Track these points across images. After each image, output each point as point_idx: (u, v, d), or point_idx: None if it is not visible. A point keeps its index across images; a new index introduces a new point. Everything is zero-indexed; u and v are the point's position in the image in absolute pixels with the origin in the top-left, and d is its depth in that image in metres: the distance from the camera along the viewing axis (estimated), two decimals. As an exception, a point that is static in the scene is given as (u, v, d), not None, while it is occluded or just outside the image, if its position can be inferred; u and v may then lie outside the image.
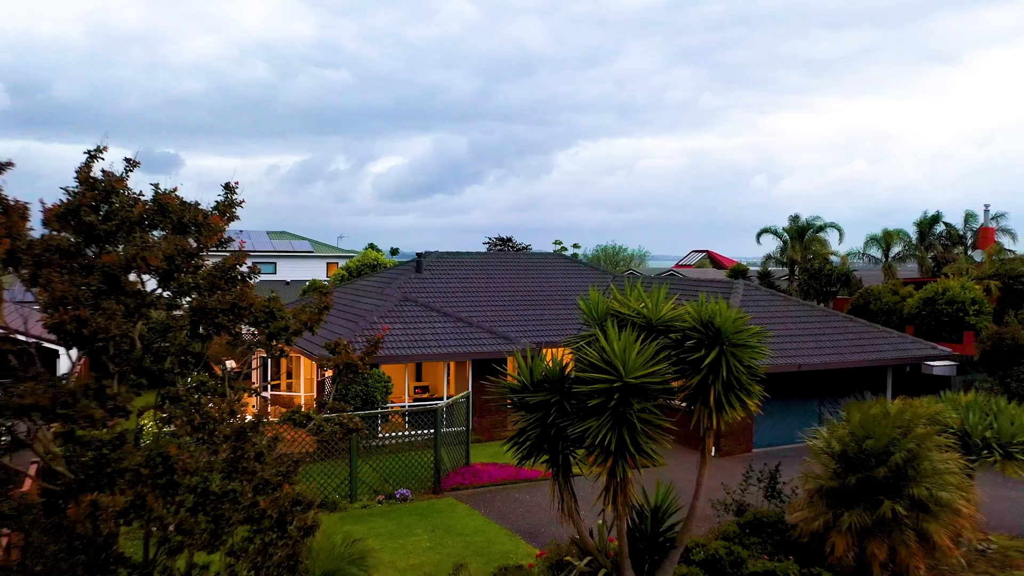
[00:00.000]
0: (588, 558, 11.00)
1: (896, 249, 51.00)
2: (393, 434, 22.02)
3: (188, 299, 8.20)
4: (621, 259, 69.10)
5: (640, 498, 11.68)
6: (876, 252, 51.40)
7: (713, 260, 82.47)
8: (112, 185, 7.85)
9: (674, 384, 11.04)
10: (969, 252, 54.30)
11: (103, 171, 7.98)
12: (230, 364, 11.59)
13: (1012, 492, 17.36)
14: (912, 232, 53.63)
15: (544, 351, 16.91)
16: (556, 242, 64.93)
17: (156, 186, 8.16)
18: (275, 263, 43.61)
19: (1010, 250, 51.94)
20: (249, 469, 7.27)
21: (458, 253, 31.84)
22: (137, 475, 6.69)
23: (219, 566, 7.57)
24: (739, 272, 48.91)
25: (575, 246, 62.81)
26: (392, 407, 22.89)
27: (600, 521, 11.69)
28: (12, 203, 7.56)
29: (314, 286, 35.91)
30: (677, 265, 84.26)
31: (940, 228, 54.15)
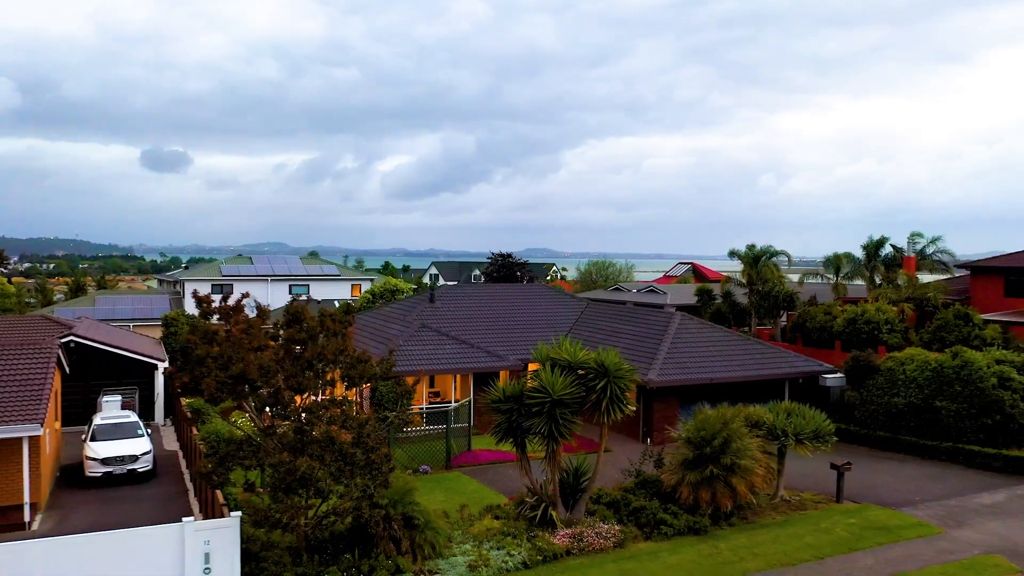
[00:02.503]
0: (535, 497, 19.77)
1: (846, 270, 59.27)
2: (415, 429, 30.72)
3: (342, 366, 16.96)
4: (610, 272, 77.63)
5: (567, 464, 20.46)
6: (830, 272, 59.64)
7: (697, 272, 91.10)
8: (301, 310, 16.65)
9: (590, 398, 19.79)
10: (916, 272, 62.79)
11: (296, 302, 16.77)
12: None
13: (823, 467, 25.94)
14: (861, 254, 61.92)
15: (528, 366, 25.54)
16: (548, 265, 73.60)
17: (322, 314, 16.95)
18: (308, 285, 52.48)
19: (957, 269, 60.35)
20: (364, 440, 16.08)
21: (463, 284, 40.50)
22: (319, 444, 15.47)
23: (351, 488, 16.32)
24: (705, 292, 57.53)
25: (563, 269, 71.39)
26: (413, 409, 31.59)
27: (545, 478, 20.40)
28: (257, 317, 16.38)
29: (344, 308, 44.60)
30: (663, 277, 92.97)
31: (887, 250, 62.48)
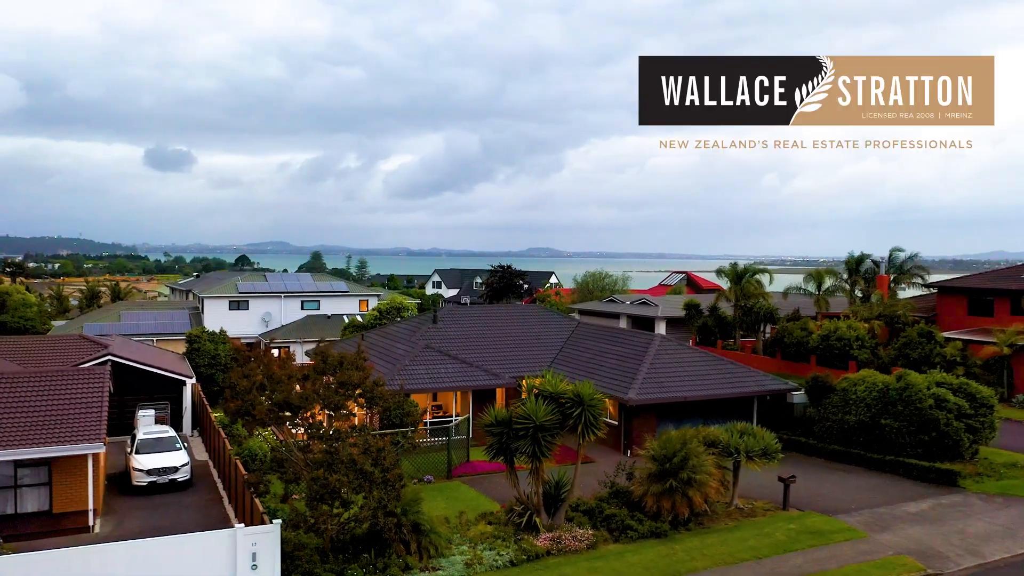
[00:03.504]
0: (522, 506, 23.62)
1: (827, 284, 62.89)
2: (421, 440, 34.56)
3: (363, 392, 20.84)
4: (606, 283, 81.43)
5: (549, 477, 24.30)
6: (813, 286, 63.24)
7: (691, 281, 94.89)
8: (325, 351, 20.50)
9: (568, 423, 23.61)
10: (893, 285, 66.56)
11: (322, 344, 20.61)
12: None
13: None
14: (843, 269, 65.55)
15: (522, 383, 29.51)
16: (545, 282, 77.47)
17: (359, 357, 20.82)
18: (319, 301, 56.36)
19: (930, 285, 64.06)
20: (381, 462, 19.95)
21: (463, 306, 44.28)
22: (345, 465, 19.32)
23: (369, 498, 20.16)
24: (693, 306, 61.36)
25: (558, 286, 75.26)
26: (419, 427, 35.40)
27: (531, 489, 24.22)
28: (284, 357, 20.27)
29: (353, 324, 48.47)
30: (658, 286, 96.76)
31: (868, 265, 66.16)
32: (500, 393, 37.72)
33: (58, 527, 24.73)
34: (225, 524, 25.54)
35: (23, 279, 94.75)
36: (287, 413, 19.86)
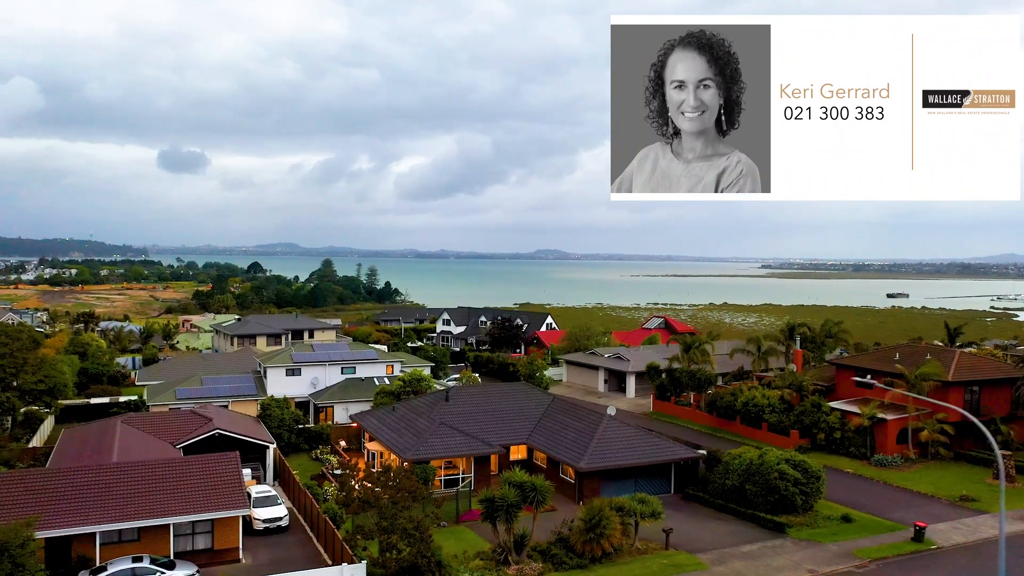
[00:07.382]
0: (501, 548, 40.92)
1: (766, 346, 79.72)
2: (438, 491, 51.82)
3: (410, 491, 38.12)
4: (591, 335, 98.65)
5: (518, 529, 41.62)
6: (753, 347, 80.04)
7: (668, 325, 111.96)
8: (390, 466, 37.69)
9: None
10: (823, 346, 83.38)
11: (386, 465, 37.81)
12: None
13: (681, 527, 46.64)
14: (780, 332, 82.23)
15: (510, 449, 47.39)
16: (538, 333, 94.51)
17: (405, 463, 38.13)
18: (355, 367, 73.82)
19: (829, 361, 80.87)
20: (419, 527, 37.30)
21: (468, 387, 61.53)
22: (401, 531, 36.59)
23: (412, 548, 37.42)
24: (653, 368, 78.44)
25: (548, 350, 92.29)
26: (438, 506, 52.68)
27: (506, 537, 41.39)
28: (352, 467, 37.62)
29: (383, 390, 66.76)
30: (639, 329, 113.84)
31: (803, 331, 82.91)
32: (494, 458, 54.96)
33: (219, 559, 42.10)
34: (318, 557, 42.84)
35: (95, 327, 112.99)
36: (366, 504, 37.15)
